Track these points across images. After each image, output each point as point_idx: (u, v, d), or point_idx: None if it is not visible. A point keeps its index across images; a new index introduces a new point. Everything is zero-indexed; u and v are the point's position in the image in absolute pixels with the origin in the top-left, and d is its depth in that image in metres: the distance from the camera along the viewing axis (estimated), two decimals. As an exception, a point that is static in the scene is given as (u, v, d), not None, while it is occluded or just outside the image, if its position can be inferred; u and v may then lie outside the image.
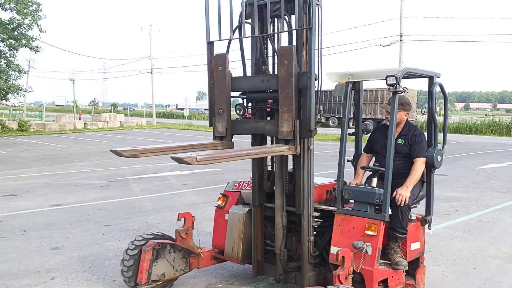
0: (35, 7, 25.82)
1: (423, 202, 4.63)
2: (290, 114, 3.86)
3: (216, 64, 4.26)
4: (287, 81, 3.87)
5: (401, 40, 28.40)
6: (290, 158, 4.18)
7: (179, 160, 3.09)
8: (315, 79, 3.85)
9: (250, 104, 4.45)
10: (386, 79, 3.94)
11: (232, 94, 4.35)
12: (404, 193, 4.08)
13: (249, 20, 4.23)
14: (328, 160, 16.03)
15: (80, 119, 37.87)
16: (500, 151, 21.45)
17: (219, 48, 4.37)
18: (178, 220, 4.74)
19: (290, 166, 4.31)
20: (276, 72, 4.15)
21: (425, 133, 4.57)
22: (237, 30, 4.27)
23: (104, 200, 9.35)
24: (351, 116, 4.79)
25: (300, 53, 3.97)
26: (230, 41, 4.28)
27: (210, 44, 4.35)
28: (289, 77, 3.85)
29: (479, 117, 51.59)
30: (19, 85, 27.04)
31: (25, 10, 25.15)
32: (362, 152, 4.87)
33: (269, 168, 4.52)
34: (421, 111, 50.65)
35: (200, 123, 47.11)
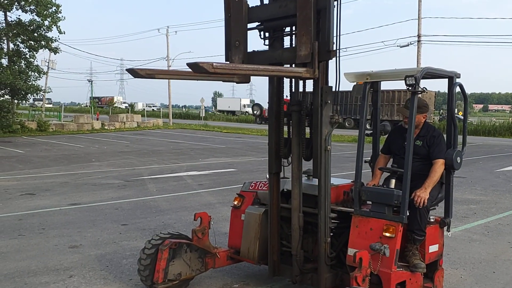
0: (55, 9, 26.23)
1: (441, 204, 4.57)
2: (308, 37, 3.79)
3: None
4: (305, 2, 3.80)
5: (418, 41, 28.13)
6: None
7: (196, 66, 2.93)
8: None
9: (267, 34, 4.34)
10: (405, 79, 3.90)
11: (249, 26, 4.25)
12: (422, 195, 4.03)
13: None
14: (345, 161, 15.95)
15: (97, 119, 38.29)
16: (520, 153, 21.08)
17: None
18: (194, 220, 4.75)
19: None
20: None
21: (444, 134, 4.51)
22: None
23: (121, 199, 9.43)
24: (369, 117, 4.76)
25: None
26: None
27: None
28: None
29: (497, 119, 50.79)
30: (39, 85, 27.45)
31: (44, 12, 25.57)
32: (380, 153, 4.83)
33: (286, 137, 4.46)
34: (439, 112, 49.99)
35: (215, 123, 47.27)
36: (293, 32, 4.16)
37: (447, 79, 4.50)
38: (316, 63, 3.82)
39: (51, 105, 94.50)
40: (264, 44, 4.35)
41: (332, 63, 4.02)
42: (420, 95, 4.19)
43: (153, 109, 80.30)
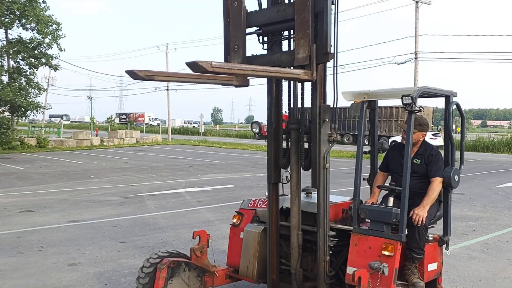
0: (55, 27, 26.44)
1: (440, 222, 4.58)
2: (306, 39, 3.85)
3: (232, 0, 4.24)
4: (303, 5, 3.86)
5: (416, 58, 28.35)
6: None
7: (195, 65, 2.94)
8: (332, 3, 3.85)
9: (266, 38, 4.40)
10: (401, 98, 3.95)
11: (248, 31, 4.29)
12: (421, 213, 4.05)
13: None
14: (344, 177, 15.95)
15: (96, 135, 38.35)
16: (519, 169, 21.11)
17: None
18: (193, 238, 4.75)
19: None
20: (292, 1, 4.11)
21: (442, 152, 4.54)
22: None
23: (120, 216, 9.41)
24: (367, 133, 4.79)
25: None
26: None
27: None
28: (305, 1, 3.84)
29: (496, 135, 50.89)
30: (38, 102, 27.53)
31: (45, 30, 25.77)
32: (378, 170, 4.86)
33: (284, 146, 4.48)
34: (437, 128, 50.10)
35: (215, 139, 47.32)
36: (291, 35, 4.23)
37: (444, 98, 4.55)
38: (314, 65, 3.87)
39: (69, 122, 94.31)
40: (262, 48, 4.41)
41: (329, 78, 4.08)
42: (420, 114, 4.24)
43: (193, 126, 78.15)
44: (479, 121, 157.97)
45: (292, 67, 4.03)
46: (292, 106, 4.48)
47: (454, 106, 4.48)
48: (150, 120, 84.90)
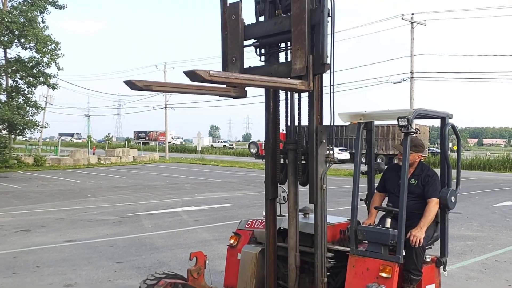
0: (54, 46, 26.57)
1: (437, 243, 4.58)
2: (303, 51, 3.89)
3: (230, 13, 4.30)
4: (300, 17, 3.91)
5: (411, 78, 28.58)
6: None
7: (192, 74, 2.94)
8: (328, 15, 3.91)
9: (263, 50, 4.44)
10: (397, 120, 3.99)
11: (245, 43, 4.34)
12: (418, 234, 4.06)
13: None
14: (341, 196, 15.94)
15: (94, 154, 38.30)
16: (516, 188, 21.15)
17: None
18: (190, 259, 4.74)
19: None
20: (288, 14, 4.16)
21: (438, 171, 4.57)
22: None
23: (116, 236, 9.36)
24: (364, 150, 4.82)
25: None
26: None
27: None
28: (302, 13, 3.90)
29: (492, 153, 51.07)
30: (36, 121, 27.54)
31: (44, 49, 25.90)
32: (375, 191, 4.87)
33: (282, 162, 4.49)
34: (433, 146, 50.29)
35: (212, 157, 47.30)
36: (288, 47, 4.29)
37: (439, 119, 4.60)
38: (310, 75, 3.91)
39: (80, 140, 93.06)
40: (260, 60, 4.47)
41: (326, 97, 4.12)
42: (415, 135, 4.27)
43: (224, 146, 75.93)
44: (476, 140, 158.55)
45: (289, 78, 4.08)
46: (289, 124, 4.52)
47: (450, 128, 4.53)
48: (172, 138, 79.54)
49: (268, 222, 4.51)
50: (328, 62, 3.94)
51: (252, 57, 4.48)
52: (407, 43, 28.74)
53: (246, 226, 5.07)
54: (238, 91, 4.10)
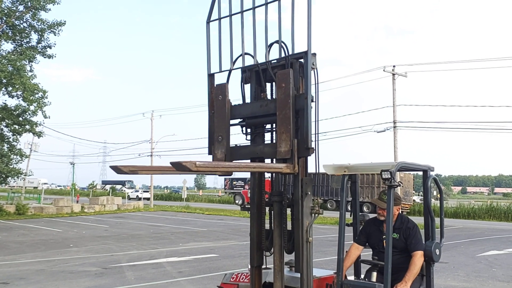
0: (41, 94, 26.61)
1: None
2: (288, 134, 3.95)
3: (217, 94, 4.39)
4: (284, 103, 3.99)
5: (395, 127, 29.13)
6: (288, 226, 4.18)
7: (179, 166, 3.00)
8: (312, 101, 4.00)
9: (249, 130, 4.51)
10: (381, 173, 4.08)
11: (232, 122, 4.42)
12: (403, 288, 4.06)
13: (250, 51, 4.37)
14: (327, 245, 15.82)
15: (77, 202, 37.68)
16: (500, 237, 21.23)
17: (219, 79, 4.54)
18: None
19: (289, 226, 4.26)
20: (274, 97, 4.27)
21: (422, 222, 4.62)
22: (237, 61, 4.42)
23: (98, 289, 9.11)
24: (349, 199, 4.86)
25: (297, 77, 4.12)
26: (230, 71, 4.44)
27: (211, 76, 4.53)
28: (286, 98, 3.98)
29: (476, 201, 51.48)
30: (20, 169, 27.20)
31: (31, 97, 25.90)
32: (353, 242, 4.86)
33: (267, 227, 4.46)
34: (418, 194, 50.60)
35: (197, 205, 46.82)
36: (274, 129, 4.39)
37: (422, 172, 4.71)
38: (295, 159, 3.98)
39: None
40: (246, 139, 4.54)
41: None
42: (398, 188, 4.36)
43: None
44: (459, 188, 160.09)
45: (274, 159, 4.19)
46: (274, 177, 4.57)
47: (432, 180, 4.64)
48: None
49: (253, 278, 4.45)
50: (313, 146, 4.03)
51: (238, 133, 4.61)
52: (390, 93, 29.44)
53: (231, 279, 5.01)
54: (224, 172, 4.20)
